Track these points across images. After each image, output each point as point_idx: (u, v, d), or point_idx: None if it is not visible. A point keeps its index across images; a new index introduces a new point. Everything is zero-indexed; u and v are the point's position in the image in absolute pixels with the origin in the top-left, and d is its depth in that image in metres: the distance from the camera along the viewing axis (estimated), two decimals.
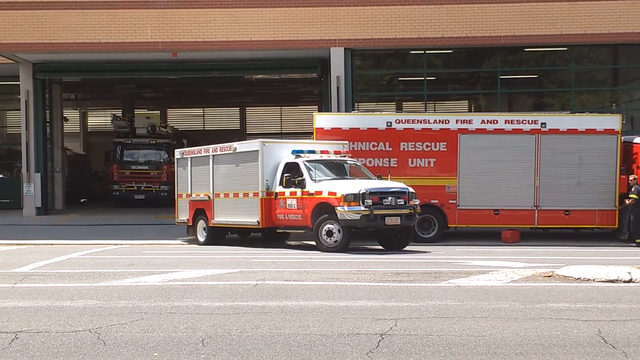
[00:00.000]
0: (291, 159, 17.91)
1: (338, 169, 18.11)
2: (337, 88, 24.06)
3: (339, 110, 23.43)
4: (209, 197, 19.49)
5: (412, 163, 19.73)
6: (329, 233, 16.73)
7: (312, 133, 20.34)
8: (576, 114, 21.15)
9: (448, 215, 19.54)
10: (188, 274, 12.19)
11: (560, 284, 10.86)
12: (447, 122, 19.91)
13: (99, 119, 46.99)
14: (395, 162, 19.67)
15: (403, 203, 16.92)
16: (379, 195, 16.69)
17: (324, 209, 16.94)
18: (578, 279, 11.15)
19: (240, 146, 19.16)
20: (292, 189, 17.48)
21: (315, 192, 17.07)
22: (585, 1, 24.12)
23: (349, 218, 16.42)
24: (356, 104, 25.08)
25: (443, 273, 12.05)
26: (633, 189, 18.91)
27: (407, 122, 19.85)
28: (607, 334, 7.29)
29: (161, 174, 31.74)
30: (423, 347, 6.81)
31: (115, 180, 31.66)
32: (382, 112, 21.54)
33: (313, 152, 18.20)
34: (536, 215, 19.73)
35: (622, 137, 19.97)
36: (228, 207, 19.03)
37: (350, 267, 13.25)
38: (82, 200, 35.96)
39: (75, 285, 10.89)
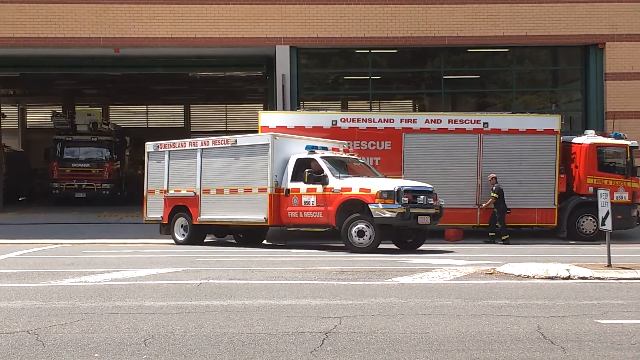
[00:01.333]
0: (304, 154, 17.38)
1: (353, 167, 17.83)
2: (283, 86, 24.02)
3: (284, 109, 23.40)
4: (195, 193, 18.62)
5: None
6: (360, 233, 16.12)
7: (257, 131, 20.25)
8: (517, 114, 21.59)
9: None
10: (130, 273, 11.99)
11: (502, 281, 11.04)
12: (391, 121, 20.08)
13: (39, 116, 45.95)
14: None
15: (432, 202, 16.71)
16: (412, 194, 16.31)
17: (354, 207, 16.40)
18: (518, 276, 11.36)
19: (243, 139, 18.36)
20: (310, 185, 16.80)
21: (342, 188, 16.49)
22: (525, 3, 24.61)
23: (384, 216, 15.86)
24: (302, 102, 25.09)
25: (387, 271, 12.13)
26: (494, 188, 19.32)
27: (352, 121, 19.96)
28: (546, 329, 7.43)
29: (103, 171, 31.20)
30: (367, 345, 6.82)
31: (56, 178, 31.00)
32: (328, 111, 21.62)
33: (326, 148, 17.78)
34: (478, 213, 20.06)
35: (561, 137, 20.45)
36: (221, 204, 18.16)
37: (295, 265, 13.23)
38: (20, 198, 35.14)
39: (13, 286, 10.61)
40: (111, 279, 11.25)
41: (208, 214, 18.39)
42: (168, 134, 45.44)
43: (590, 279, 11.05)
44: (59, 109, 38.13)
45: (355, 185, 16.49)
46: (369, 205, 15.98)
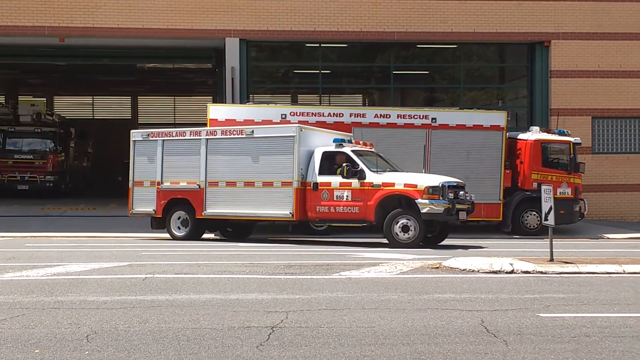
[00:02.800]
0: (331, 147, 17.05)
1: (381, 161, 17.59)
2: (232, 79, 23.85)
3: (233, 102, 23.24)
4: (199, 185, 17.86)
5: None
6: (405, 228, 16.03)
7: (205, 124, 20.07)
8: (465, 110, 21.85)
9: None
10: (74, 267, 11.77)
11: (447, 275, 11.16)
12: (341, 115, 20.12)
13: None
14: None
15: (467, 197, 16.81)
16: (454, 189, 16.37)
17: (397, 202, 16.33)
18: (464, 270, 11.50)
19: (261, 130, 17.69)
20: (344, 180, 16.51)
21: (384, 183, 16.32)
22: (474, 0, 24.90)
23: (431, 212, 15.84)
24: (251, 95, 24.96)
25: (335, 265, 12.16)
26: None
27: (302, 115, 19.92)
28: (489, 323, 7.54)
29: (46, 163, 30.56)
30: (313, 339, 6.83)
31: None
32: (277, 105, 21.54)
33: (351, 142, 17.50)
34: None
35: (507, 133, 20.77)
36: (233, 197, 17.47)
37: (242, 259, 13.16)
38: None
39: None
40: (53, 273, 11.02)
41: (216, 208, 17.64)
42: (114, 126, 44.84)
43: (533, 273, 11.25)
44: (1, 99, 37.19)
45: (398, 180, 16.43)
46: (415, 200, 15.95)
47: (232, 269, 11.70)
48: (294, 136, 16.89)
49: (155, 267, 11.82)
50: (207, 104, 20.96)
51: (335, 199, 16.66)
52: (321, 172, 16.86)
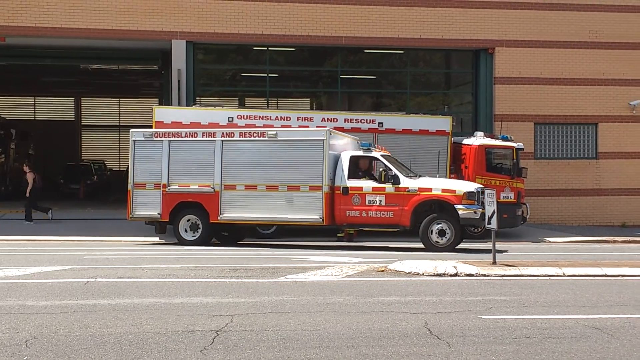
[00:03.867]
0: (359, 152, 17.24)
1: (400, 165, 17.67)
2: (179, 81, 23.61)
3: (179, 104, 23.01)
4: (213, 189, 17.28)
5: None
6: (442, 232, 16.32)
7: (151, 126, 19.82)
8: (411, 115, 22.06)
9: None
10: (13, 271, 11.49)
11: (392, 278, 11.25)
12: (288, 119, 20.08)
13: None
14: None
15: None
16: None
17: (429, 207, 16.63)
18: (409, 273, 11.61)
19: (286, 133, 17.43)
20: (377, 184, 16.59)
21: (420, 188, 16.54)
22: (420, 7, 25.17)
23: (469, 217, 16.21)
24: (198, 98, 24.75)
25: (281, 269, 12.14)
26: None
27: (249, 118, 19.83)
28: (433, 325, 7.62)
29: None
30: (258, 343, 6.80)
31: None
32: (224, 107, 21.40)
33: (375, 147, 17.72)
34: None
35: (452, 138, 21.03)
36: (253, 201, 16.99)
37: (187, 263, 13.04)
38: None
39: None
40: None
41: (233, 212, 17.10)
42: (57, 127, 44.00)
43: (476, 276, 11.42)
44: None
45: (435, 185, 16.72)
46: (455, 205, 16.27)
47: (177, 272, 11.57)
48: (323, 140, 16.72)
49: (97, 270, 11.61)
50: (153, 106, 20.69)
51: (367, 203, 16.67)
52: (350, 177, 16.84)
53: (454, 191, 16.50)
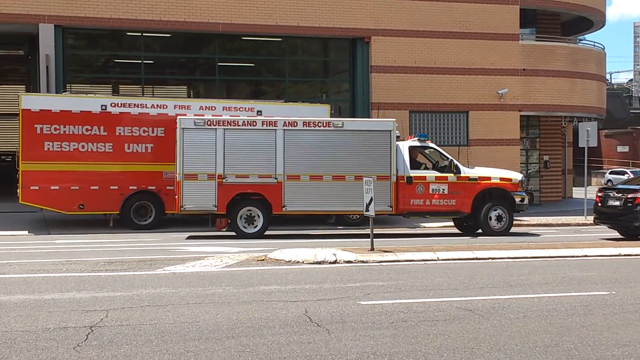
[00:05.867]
0: (415, 142, 18.04)
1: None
2: (47, 67, 22.54)
3: (48, 91, 21.99)
4: (276, 179, 16.81)
5: (128, 148, 19.18)
6: (499, 218, 17.75)
7: (17, 114, 18.86)
8: (290, 103, 22.08)
9: (165, 201, 19.28)
10: None
11: (272, 267, 11.24)
12: (165, 107, 19.65)
13: None
14: (110, 147, 19.01)
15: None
16: None
17: (492, 195, 17.77)
18: (289, 261, 11.63)
19: (352, 123, 17.84)
20: (439, 174, 17.49)
21: (480, 177, 17.77)
22: None
23: (523, 202, 17.87)
24: (68, 85, 23.77)
25: (159, 260, 11.87)
26: None
27: (123, 106, 19.26)
28: (312, 313, 7.66)
29: None
30: (135, 337, 6.61)
31: None
32: (97, 95, 20.66)
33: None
34: None
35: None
36: (318, 191, 16.91)
37: (59, 257, 12.52)
38: None
39: None
40: None
41: (297, 203, 16.79)
42: None
43: (355, 263, 11.60)
44: None
45: (493, 174, 18.12)
46: (512, 193, 17.79)
47: (47, 267, 11.09)
48: (390, 131, 17.31)
49: None
50: (19, 94, 19.71)
51: (431, 192, 17.46)
52: (411, 167, 17.55)
53: (510, 179, 18.08)
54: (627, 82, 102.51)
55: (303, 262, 11.55)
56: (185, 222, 19.60)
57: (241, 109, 20.25)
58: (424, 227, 20.99)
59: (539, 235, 18.28)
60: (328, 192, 17.16)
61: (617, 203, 16.55)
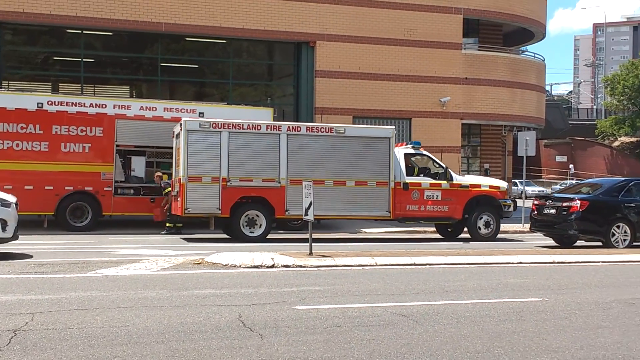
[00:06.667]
0: (409, 149, 18.48)
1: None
2: None
3: None
4: (279, 183, 16.82)
5: (65, 148, 18.78)
6: (487, 224, 18.42)
7: None
8: (233, 105, 21.91)
9: (103, 203, 18.92)
10: None
11: (209, 270, 11.08)
12: (104, 106, 19.31)
13: None
14: (46, 146, 18.58)
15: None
16: None
17: (479, 202, 18.30)
18: (226, 265, 11.49)
19: (353, 130, 18.02)
20: (433, 180, 18.06)
21: (471, 185, 18.45)
22: None
23: (509, 209, 18.57)
24: (5, 82, 23.14)
25: (92, 263, 11.59)
26: (162, 185, 19.03)
27: (61, 105, 18.84)
28: (246, 317, 7.55)
29: None
30: (60, 342, 6.40)
31: None
32: (35, 93, 20.16)
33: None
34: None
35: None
36: (319, 196, 16.05)
37: None
38: None
39: None
40: None
41: (301, 208, 15.99)
42: None
43: (293, 267, 11.51)
44: None
45: (482, 182, 18.91)
46: (500, 200, 18.50)
47: None
48: (389, 138, 17.78)
49: None
50: None
51: (425, 198, 17.97)
52: (407, 173, 18.05)
53: (499, 187, 18.72)
54: (567, 94, 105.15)
55: (240, 266, 11.42)
56: (123, 225, 19.24)
57: (183, 110, 20.02)
58: (365, 232, 21.04)
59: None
60: (329, 196, 17.36)
61: (552, 211, 16.86)
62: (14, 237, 12.37)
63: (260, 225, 17.04)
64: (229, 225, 17.24)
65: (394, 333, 7.03)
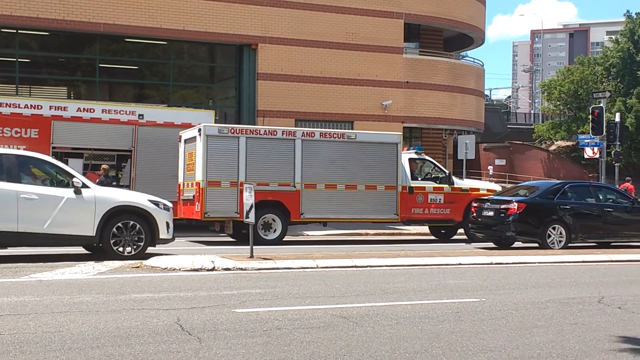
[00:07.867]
0: (412, 155, 19.15)
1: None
2: None
3: None
4: (294, 187, 16.96)
5: None
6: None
7: None
8: (173, 107, 21.69)
9: None
10: None
11: (147, 274, 10.90)
12: (40, 107, 18.87)
13: None
14: None
15: None
16: None
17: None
18: (165, 268, 11.33)
19: (364, 135, 18.24)
20: (436, 184, 18.71)
21: (471, 188, 19.05)
22: None
23: None
24: None
25: (25, 267, 11.31)
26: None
27: None
28: (185, 321, 7.44)
29: None
30: None
31: None
32: None
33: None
34: None
35: None
36: (332, 200, 17.59)
37: None
38: None
39: None
40: None
41: (314, 211, 17.12)
42: None
43: (233, 270, 11.42)
44: None
45: (480, 186, 19.60)
46: None
47: None
48: (397, 143, 18.35)
49: None
50: None
51: (429, 201, 18.61)
52: (411, 177, 18.67)
53: (494, 191, 19.34)
54: (506, 99, 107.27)
55: (180, 269, 11.28)
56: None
57: (122, 112, 19.72)
58: (307, 234, 21.04)
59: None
60: (341, 200, 17.84)
61: (491, 213, 17.14)
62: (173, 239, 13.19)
63: (275, 230, 17.31)
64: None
65: (334, 335, 7.02)
